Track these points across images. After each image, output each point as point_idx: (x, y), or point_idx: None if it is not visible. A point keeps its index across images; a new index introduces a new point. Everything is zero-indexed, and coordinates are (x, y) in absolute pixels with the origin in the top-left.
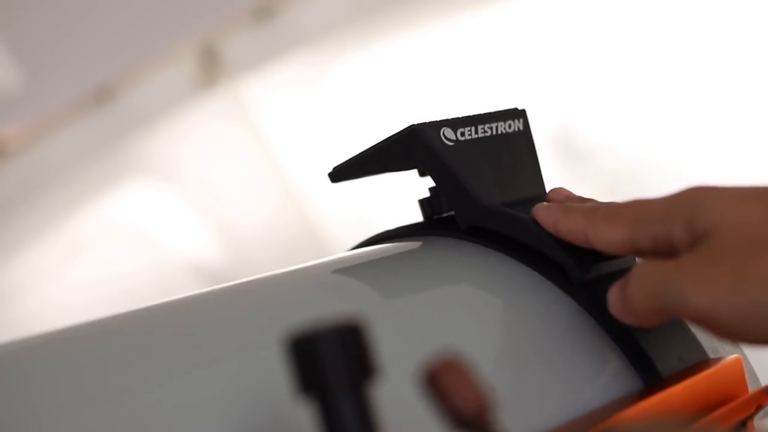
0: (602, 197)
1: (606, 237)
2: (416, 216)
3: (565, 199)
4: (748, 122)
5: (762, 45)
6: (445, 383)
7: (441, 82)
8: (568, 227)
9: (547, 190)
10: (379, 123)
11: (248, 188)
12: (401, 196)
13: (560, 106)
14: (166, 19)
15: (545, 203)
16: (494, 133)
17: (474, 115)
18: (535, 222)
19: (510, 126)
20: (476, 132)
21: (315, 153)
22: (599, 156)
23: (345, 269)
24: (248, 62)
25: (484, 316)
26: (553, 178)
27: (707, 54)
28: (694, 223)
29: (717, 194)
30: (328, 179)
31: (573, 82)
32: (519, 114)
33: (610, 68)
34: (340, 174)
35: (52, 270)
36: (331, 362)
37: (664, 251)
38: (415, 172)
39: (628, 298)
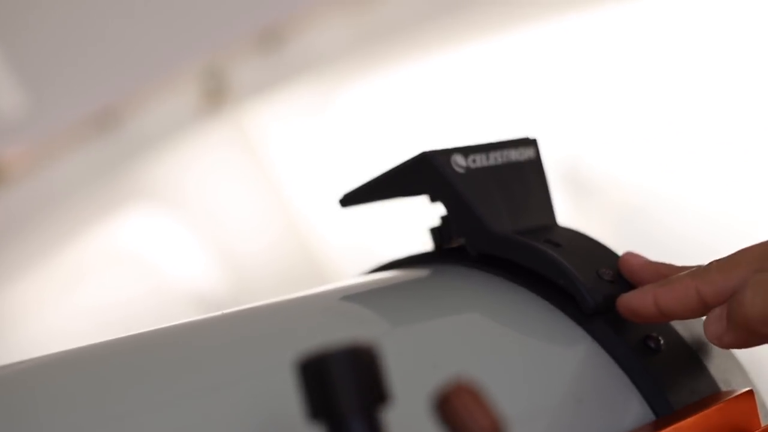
0: (611, 230)
1: (725, 288)
2: (418, 246)
3: (643, 265)
4: (756, 155)
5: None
6: (458, 408)
7: (448, 111)
8: (674, 294)
9: (559, 221)
10: (384, 152)
11: (251, 216)
12: (404, 225)
13: (568, 138)
14: (171, 43)
15: (632, 291)
16: (505, 160)
17: (485, 143)
18: (546, 250)
19: (521, 154)
20: (487, 159)
21: (318, 182)
22: (607, 189)
23: (355, 295)
24: (253, 89)
25: (495, 345)
26: (560, 210)
27: (716, 87)
28: None
29: None
30: (338, 204)
31: (581, 115)
32: (530, 142)
33: (618, 101)
34: (351, 199)
35: (54, 296)
36: (342, 385)
37: None
38: (420, 201)
39: (739, 306)
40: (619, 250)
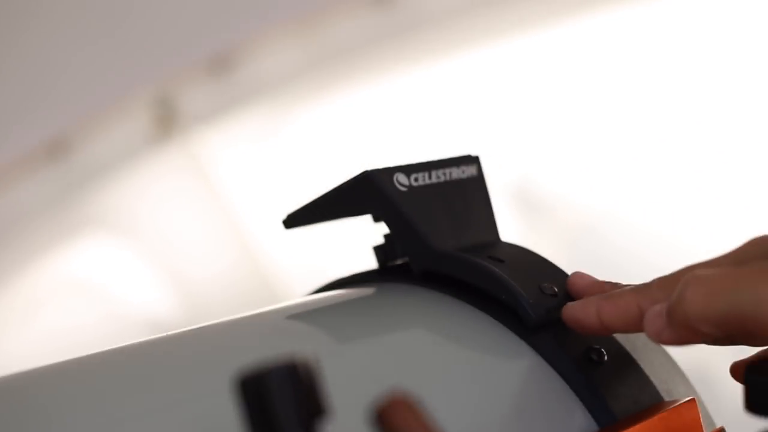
0: (562, 249)
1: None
2: (370, 265)
3: (589, 284)
4: (703, 176)
5: (711, 94)
6: (395, 422)
7: (398, 133)
8: (616, 308)
9: (503, 238)
10: (335, 175)
11: (204, 241)
12: (357, 246)
13: (518, 157)
14: (121, 71)
15: (576, 302)
16: (448, 178)
17: (428, 161)
18: (487, 266)
19: (464, 172)
20: (430, 177)
21: (271, 206)
22: (558, 208)
23: (297, 314)
24: (204, 115)
25: (437, 360)
26: (512, 230)
27: (663, 107)
28: None
29: None
30: (282, 226)
31: (531, 135)
32: (473, 160)
33: (568, 121)
34: (294, 220)
35: (8, 325)
36: (280, 401)
37: None
38: (367, 221)
39: (678, 304)
40: (569, 267)
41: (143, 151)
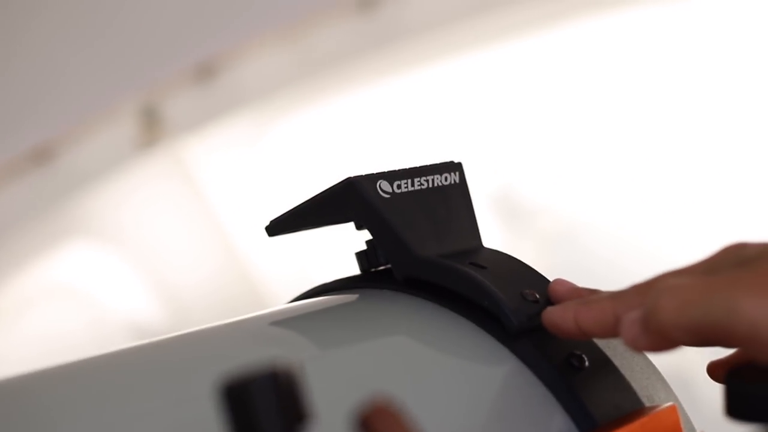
0: (542, 257)
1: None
2: (355, 271)
3: (569, 291)
4: (679, 185)
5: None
6: (377, 427)
7: (382, 142)
8: (592, 314)
9: (485, 244)
10: (319, 181)
11: (189, 247)
12: (342, 252)
13: (501, 166)
14: (106, 78)
15: (555, 306)
16: (430, 185)
17: (410, 168)
18: (469, 272)
19: (446, 179)
20: (412, 185)
21: (256, 212)
22: (539, 216)
23: (281, 321)
24: (189, 122)
25: (420, 366)
26: (493, 237)
27: (640, 118)
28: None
29: (755, 243)
30: (265, 233)
31: (514, 143)
32: (455, 167)
33: (550, 129)
34: (277, 227)
35: None
36: (263, 406)
37: None
38: (350, 227)
39: (653, 313)
40: (549, 273)
41: (129, 157)
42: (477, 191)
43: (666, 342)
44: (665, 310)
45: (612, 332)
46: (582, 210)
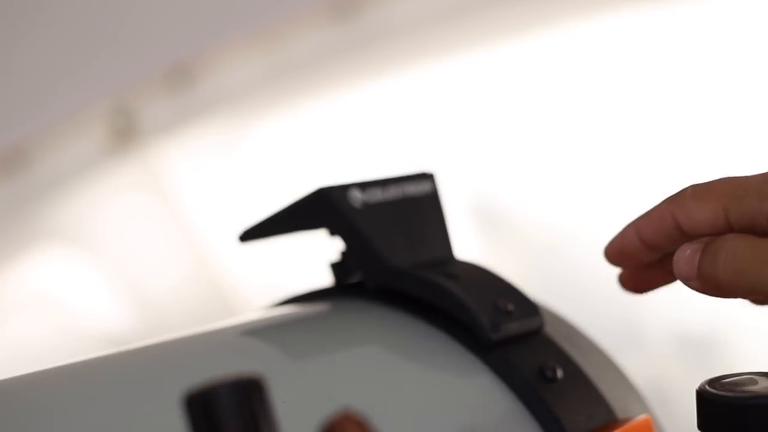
0: (523, 266)
1: (697, 216)
2: (328, 281)
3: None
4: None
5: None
6: None
7: (359, 148)
8: (651, 221)
9: (465, 253)
10: (294, 188)
11: (161, 254)
12: (315, 262)
13: (481, 174)
14: (78, 82)
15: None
16: (403, 195)
17: (383, 178)
18: (442, 283)
19: (419, 188)
20: (385, 194)
21: (228, 219)
22: (520, 225)
23: (250, 331)
24: (163, 127)
25: (391, 377)
26: (474, 247)
27: (621, 129)
28: None
29: None
30: (238, 240)
31: (494, 151)
32: (428, 177)
33: (532, 137)
34: (249, 235)
35: None
36: (228, 419)
37: (761, 233)
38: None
39: (711, 269)
40: (529, 282)
41: (101, 163)
42: (457, 200)
43: (721, 293)
44: (723, 272)
45: (674, 241)
46: (563, 219)
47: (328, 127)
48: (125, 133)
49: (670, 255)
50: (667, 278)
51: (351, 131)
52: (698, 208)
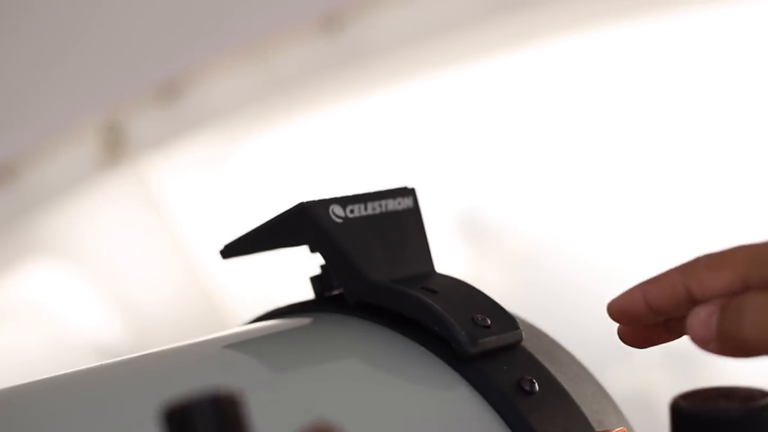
0: (507, 279)
1: (713, 285)
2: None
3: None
4: (649, 207)
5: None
6: None
7: (347, 162)
8: (661, 289)
9: (450, 265)
10: (283, 202)
11: (152, 267)
12: (305, 275)
13: (467, 187)
14: (69, 96)
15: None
16: (383, 210)
17: (364, 193)
18: (420, 297)
19: (399, 203)
20: (365, 209)
21: (218, 232)
22: (504, 238)
23: (232, 345)
24: (152, 141)
25: (369, 390)
26: (458, 259)
27: (607, 138)
28: None
29: None
30: (219, 256)
31: (478, 163)
32: (408, 192)
33: (516, 150)
34: (231, 250)
35: None
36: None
37: None
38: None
39: (734, 329)
40: (513, 295)
41: (91, 176)
42: (441, 212)
43: (743, 353)
44: (750, 329)
45: (684, 308)
46: (547, 232)
47: (316, 141)
48: (115, 147)
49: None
50: (669, 336)
51: (338, 145)
52: (713, 278)
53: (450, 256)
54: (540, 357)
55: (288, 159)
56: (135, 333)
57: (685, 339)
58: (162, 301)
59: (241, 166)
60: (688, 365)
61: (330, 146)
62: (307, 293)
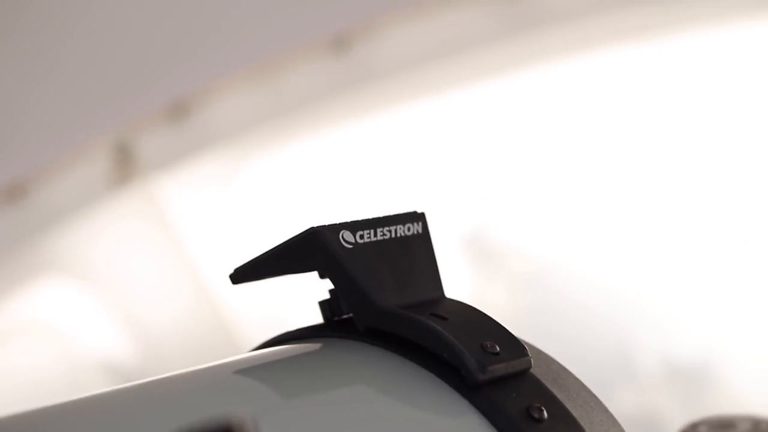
0: (513, 299)
1: None
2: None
3: None
4: (654, 228)
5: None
6: None
7: (355, 182)
8: None
9: (456, 285)
10: (292, 222)
11: (161, 286)
12: (315, 295)
13: (473, 208)
14: (79, 116)
15: None
16: (393, 236)
17: (374, 218)
18: (429, 324)
19: (409, 229)
20: (375, 235)
21: (228, 252)
22: (510, 258)
23: (241, 371)
24: (162, 161)
25: (377, 417)
26: (464, 279)
27: (611, 158)
28: None
29: None
30: (229, 281)
31: (485, 184)
32: (418, 217)
33: (522, 171)
34: (240, 276)
35: None
36: None
37: None
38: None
39: None
40: (519, 314)
41: (101, 195)
42: (448, 233)
43: None
44: None
45: None
46: (553, 251)
47: (327, 161)
48: (125, 166)
49: None
50: None
51: (346, 165)
52: None
53: (456, 276)
54: (548, 384)
55: (296, 179)
56: (144, 352)
57: (690, 359)
58: (171, 320)
59: (250, 185)
60: (694, 386)
61: (338, 166)
62: (317, 314)
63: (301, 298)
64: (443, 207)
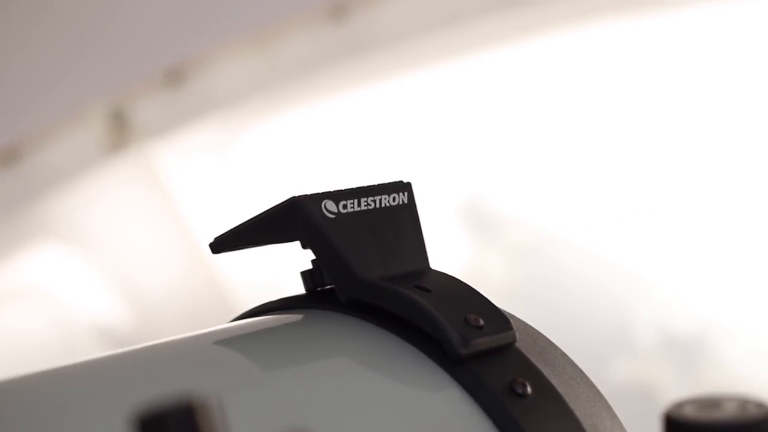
0: (510, 269)
1: None
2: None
3: None
4: (652, 198)
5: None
6: None
7: (350, 150)
8: None
9: (440, 259)
10: (288, 190)
11: (156, 251)
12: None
13: (471, 177)
14: (75, 81)
15: None
16: (377, 206)
17: (358, 188)
18: (412, 296)
19: (394, 199)
20: (359, 205)
21: (224, 217)
22: (507, 228)
23: (220, 341)
24: (158, 126)
25: (357, 391)
26: (462, 247)
27: (611, 128)
28: None
29: None
30: (210, 250)
31: (483, 153)
32: (404, 187)
33: (520, 140)
34: (220, 245)
35: None
36: None
37: None
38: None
39: None
40: (516, 285)
41: (97, 160)
42: (445, 202)
43: None
44: None
45: None
46: (551, 222)
47: (323, 128)
48: (121, 132)
49: None
50: None
51: (341, 133)
52: None
53: (453, 246)
54: (534, 359)
55: (292, 146)
56: (138, 317)
57: (687, 331)
58: (166, 286)
59: (247, 152)
60: (690, 358)
61: (334, 134)
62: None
63: (297, 263)
64: (441, 176)
